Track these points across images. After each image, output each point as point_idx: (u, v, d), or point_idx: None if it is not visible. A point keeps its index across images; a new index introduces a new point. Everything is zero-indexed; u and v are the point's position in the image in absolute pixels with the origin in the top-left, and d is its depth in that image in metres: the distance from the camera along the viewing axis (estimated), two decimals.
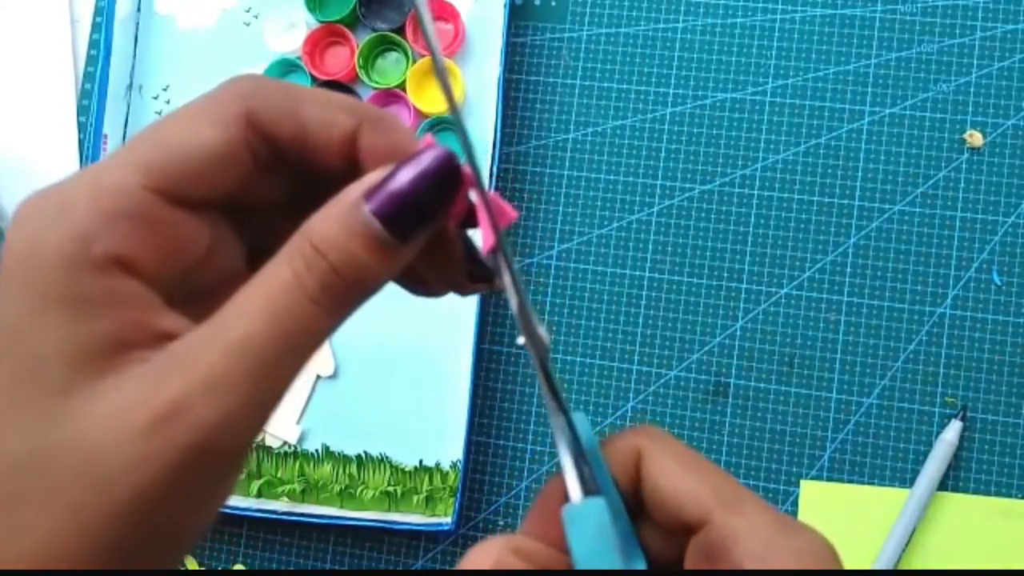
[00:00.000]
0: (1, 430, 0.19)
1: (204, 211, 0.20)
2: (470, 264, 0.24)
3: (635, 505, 0.24)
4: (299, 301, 0.19)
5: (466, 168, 0.21)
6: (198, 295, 0.20)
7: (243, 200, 0.21)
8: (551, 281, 0.59)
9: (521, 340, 0.23)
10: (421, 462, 0.57)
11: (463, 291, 0.24)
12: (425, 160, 0.20)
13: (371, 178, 0.20)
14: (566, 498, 0.23)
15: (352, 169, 0.21)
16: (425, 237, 0.20)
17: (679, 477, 0.23)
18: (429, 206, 0.20)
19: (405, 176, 0.19)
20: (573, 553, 0.23)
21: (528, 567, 0.21)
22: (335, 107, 0.21)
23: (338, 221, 0.19)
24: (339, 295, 0.20)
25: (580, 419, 0.24)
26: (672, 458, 0.23)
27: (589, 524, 0.23)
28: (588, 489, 0.23)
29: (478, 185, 0.21)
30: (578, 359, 0.58)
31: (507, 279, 0.22)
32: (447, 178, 0.20)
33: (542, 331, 0.23)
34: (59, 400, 0.18)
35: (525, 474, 0.58)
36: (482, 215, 0.21)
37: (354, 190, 0.20)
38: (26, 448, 0.18)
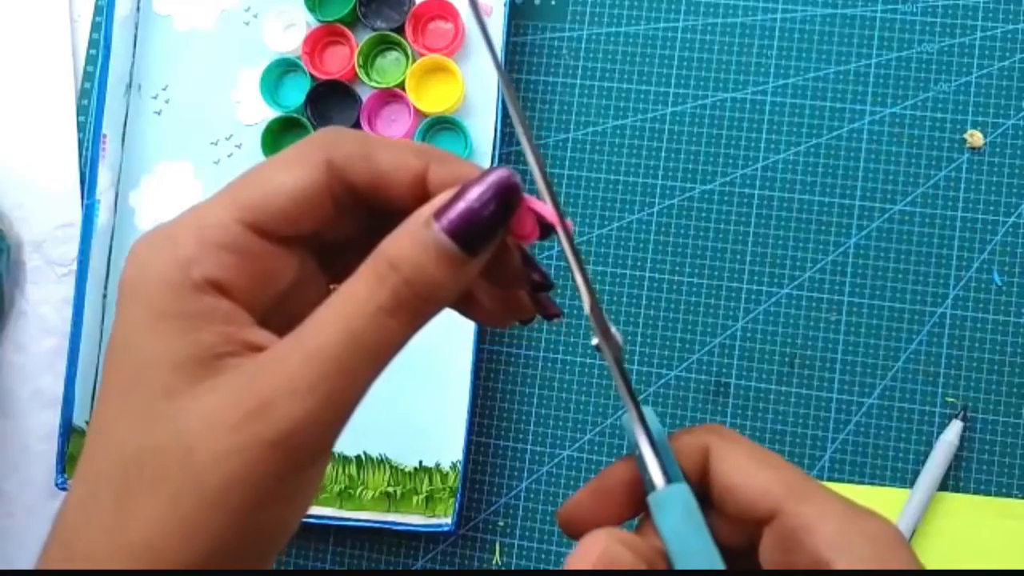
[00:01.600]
0: (114, 430, 0.22)
1: (291, 246, 0.23)
2: (530, 273, 0.26)
3: (702, 498, 0.25)
4: (371, 312, 0.21)
5: (530, 199, 0.24)
6: (289, 322, 0.23)
7: (325, 237, 0.24)
8: None
9: (595, 341, 0.25)
10: (421, 463, 0.57)
11: (524, 316, 0.27)
12: (488, 179, 0.22)
13: (438, 200, 0.22)
14: (646, 487, 0.24)
15: (422, 204, 0.23)
16: (490, 250, 0.22)
17: (750, 472, 0.24)
18: (493, 220, 0.22)
19: (471, 195, 0.22)
20: (665, 537, 0.23)
21: (634, 558, 0.22)
22: (404, 151, 0.24)
23: (410, 238, 0.22)
24: (410, 306, 0.22)
25: (650, 414, 0.25)
26: (742, 454, 0.24)
27: (678, 509, 0.23)
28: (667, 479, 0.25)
29: (548, 188, 0.23)
30: (578, 359, 0.58)
31: (578, 278, 0.24)
32: (508, 193, 0.22)
33: (615, 331, 0.25)
34: (163, 402, 0.21)
35: (525, 474, 0.58)
36: (546, 210, 0.24)
37: (424, 211, 0.22)
38: (135, 446, 0.21)
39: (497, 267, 0.24)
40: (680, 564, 0.23)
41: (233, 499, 0.21)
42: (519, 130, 0.24)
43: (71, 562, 0.21)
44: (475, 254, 0.22)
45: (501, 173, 0.22)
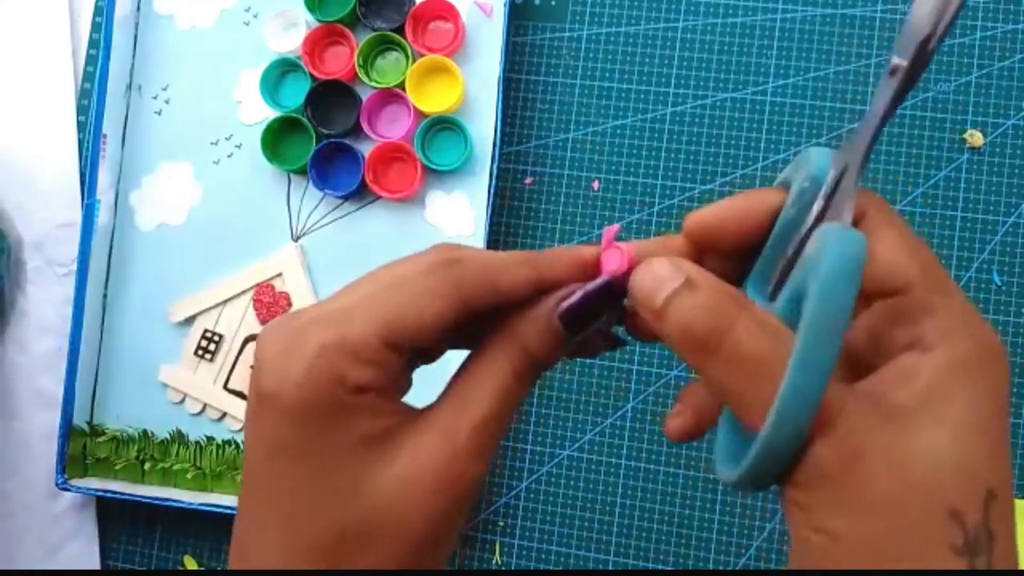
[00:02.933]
0: (297, 523, 0.25)
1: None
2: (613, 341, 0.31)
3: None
4: (514, 384, 0.27)
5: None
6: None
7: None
8: None
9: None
10: None
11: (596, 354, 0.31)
12: (592, 286, 0.27)
13: (561, 295, 0.27)
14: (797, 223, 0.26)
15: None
16: (590, 330, 0.27)
17: (897, 246, 0.25)
18: (595, 313, 0.27)
19: (588, 294, 0.27)
20: (824, 267, 0.22)
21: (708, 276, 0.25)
22: (521, 268, 0.27)
23: (539, 326, 0.27)
24: (535, 374, 0.27)
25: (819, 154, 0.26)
26: (893, 228, 0.26)
27: (858, 244, 0.23)
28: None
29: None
30: (579, 359, 0.58)
31: None
32: (608, 295, 0.27)
33: None
34: (344, 481, 0.25)
35: (525, 474, 0.58)
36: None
37: (550, 303, 0.27)
38: (326, 529, 0.25)
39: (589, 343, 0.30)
40: (811, 322, 0.22)
41: (436, 546, 0.26)
42: None
43: None
44: (578, 335, 0.27)
45: (608, 285, 0.27)
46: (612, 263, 0.27)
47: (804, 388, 0.22)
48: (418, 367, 0.29)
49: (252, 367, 0.27)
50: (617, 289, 0.27)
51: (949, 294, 0.24)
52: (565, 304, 0.27)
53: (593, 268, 0.28)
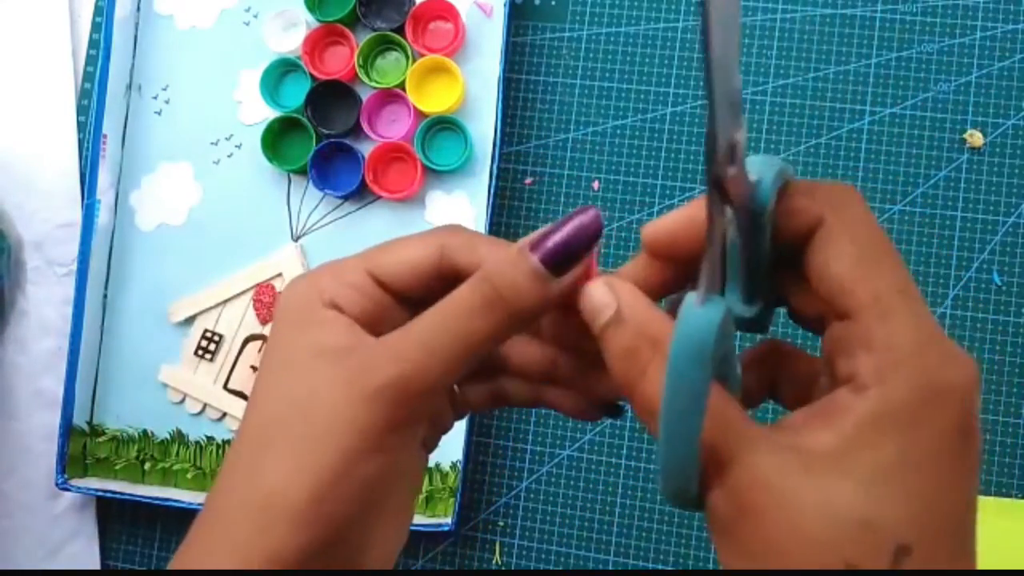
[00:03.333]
0: (260, 400, 0.29)
1: (400, 303, 0.30)
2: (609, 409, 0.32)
3: (790, 257, 0.25)
4: (465, 311, 0.27)
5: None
6: None
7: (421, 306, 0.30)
8: None
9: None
10: None
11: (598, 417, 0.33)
12: (579, 217, 0.27)
13: (532, 236, 0.27)
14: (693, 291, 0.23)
15: None
16: (573, 276, 0.27)
17: (848, 267, 0.23)
18: (579, 249, 0.27)
19: (568, 229, 0.27)
20: (672, 348, 0.22)
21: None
22: (500, 243, 0.29)
23: (505, 260, 0.27)
24: (497, 311, 0.27)
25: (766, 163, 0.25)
26: (850, 244, 0.24)
27: (702, 330, 0.22)
28: (714, 286, 0.24)
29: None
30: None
31: None
32: (594, 230, 0.27)
33: None
34: (300, 373, 0.28)
35: (525, 474, 0.58)
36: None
37: (518, 243, 0.27)
38: (273, 408, 0.28)
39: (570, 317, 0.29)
40: (665, 403, 0.23)
41: (340, 443, 0.26)
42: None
43: (217, 515, 0.28)
44: (560, 276, 0.27)
45: (591, 213, 0.27)
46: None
47: (674, 458, 0.23)
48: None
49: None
50: (597, 232, 0.27)
51: (902, 321, 0.22)
52: (548, 241, 0.27)
53: None
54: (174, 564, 0.28)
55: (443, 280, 0.29)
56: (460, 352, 0.27)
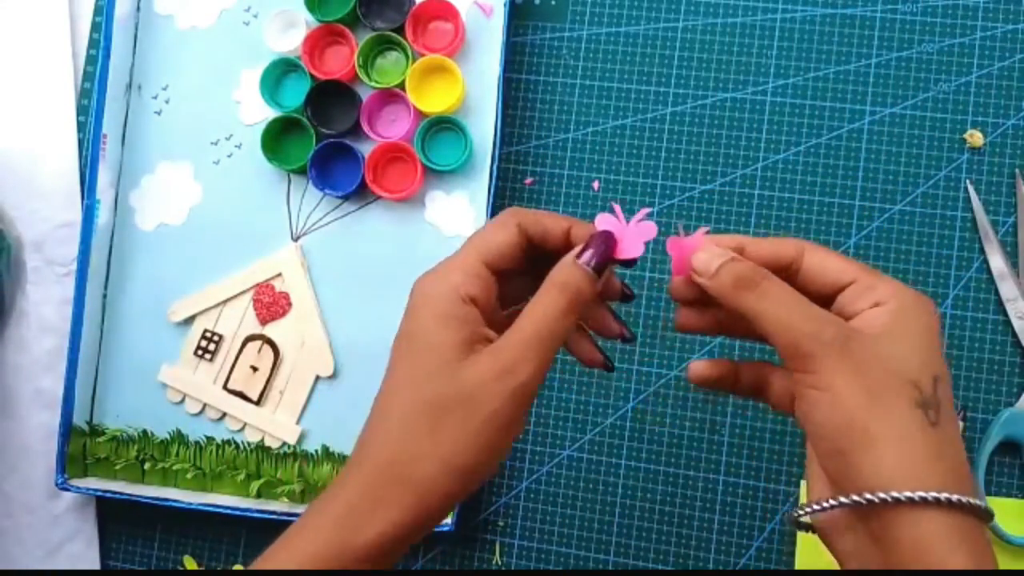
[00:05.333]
0: (412, 387, 0.37)
1: (498, 277, 0.40)
2: (622, 290, 0.43)
3: (791, 277, 0.38)
4: (556, 313, 0.38)
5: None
6: (495, 327, 0.39)
7: (510, 279, 0.41)
8: None
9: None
10: None
11: (610, 336, 0.43)
12: (599, 239, 0.39)
13: (576, 251, 0.39)
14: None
15: (565, 249, 0.40)
16: (605, 276, 0.39)
17: (835, 260, 0.38)
18: (606, 257, 0.39)
19: (597, 247, 0.39)
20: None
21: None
22: (559, 217, 0.41)
23: (571, 270, 0.38)
24: (574, 308, 0.38)
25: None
26: (828, 252, 0.39)
27: None
28: None
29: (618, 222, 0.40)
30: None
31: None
32: (612, 247, 0.40)
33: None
34: (448, 369, 0.37)
35: (525, 474, 0.58)
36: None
37: (570, 257, 0.39)
38: (434, 394, 0.36)
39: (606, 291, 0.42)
40: None
41: (498, 423, 0.36)
42: None
43: (405, 475, 0.36)
44: (599, 276, 0.39)
45: (605, 235, 0.39)
46: (604, 225, 0.40)
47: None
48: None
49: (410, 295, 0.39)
50: (611, 239, 0.39)
51: (885, 278, 0.37)
52: (587, 255, 0.39)
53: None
54: (327, 495, 0.37)
55: (523, 252, 0.40)
56: (560, 343, 0.38)
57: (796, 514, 0.37)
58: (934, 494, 0.33)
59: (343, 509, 0.36)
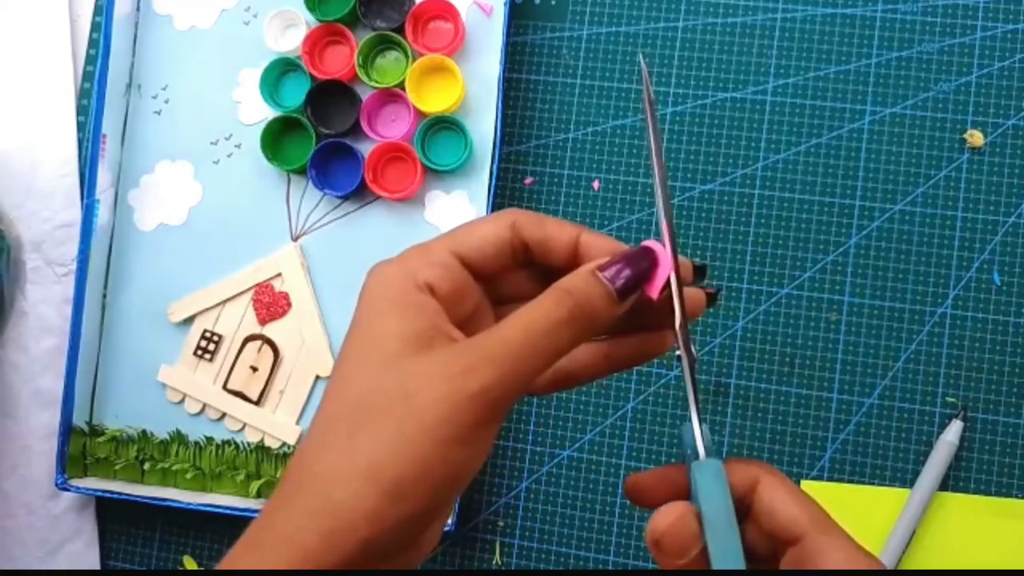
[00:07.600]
0: (351, 380, 0.30)
1: (479, 280, 0.33)
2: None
3: (743, 512, 0.32)
4: (549, 322, 0.30)
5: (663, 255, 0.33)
6: (468, 330, 0.32)
7: (501, 288, 0.34)
8: None
9: (679, 353, 0.34)
10: None
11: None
12: (643, 261, 0.32)
13: (600, 261, 0.32)
14: (688, 464, 0.32)
15: (573, 264, 0.33)
16: (632, 300, 0.32)
17: (789, 503, 0.32)
18: (637, 284, 0.32)
19: (634, 266, 0.32)
20: (699, 492, 0.30)
21: (698, 526, 0.31)
22: (565, 222, 0.33)
23: (582, 278, 0.31)
24: (576, 323, 0.31)
25: (705, 430, 0.32)
26: (784, 489, 0.32)
27: (711, 471, 0.31)
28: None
29: (672, 245, 0.33)
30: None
31: (676, 299, 0.33)
32: (651, 270, 0.32)
33: (693, 347, 0.34)
34: (393, 361, 0.30)
35: (525, 474, 0.58)
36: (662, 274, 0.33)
37: (590, 265, 0.32)
38: (367, 389, 0.30)
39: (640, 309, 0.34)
40: (707, 518, 0.30)
41: (440, 433, 0.29)
42: (655, 178, 0.34)
43: (310, 482, 0.29)
44: (623, 301, 0.32)
45: (651, 257, 0.32)
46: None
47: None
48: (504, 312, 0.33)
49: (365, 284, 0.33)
50: (654, 259, 0.32)
51: (836, 534, 0.31)
52: (615, 270, 0.32)
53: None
54: (251, 532, 0.30)
55: (515, 254, 0.33)
56: (547, 359, 0.31)
57: None
58: None
59: (256, 528, 0.30)
